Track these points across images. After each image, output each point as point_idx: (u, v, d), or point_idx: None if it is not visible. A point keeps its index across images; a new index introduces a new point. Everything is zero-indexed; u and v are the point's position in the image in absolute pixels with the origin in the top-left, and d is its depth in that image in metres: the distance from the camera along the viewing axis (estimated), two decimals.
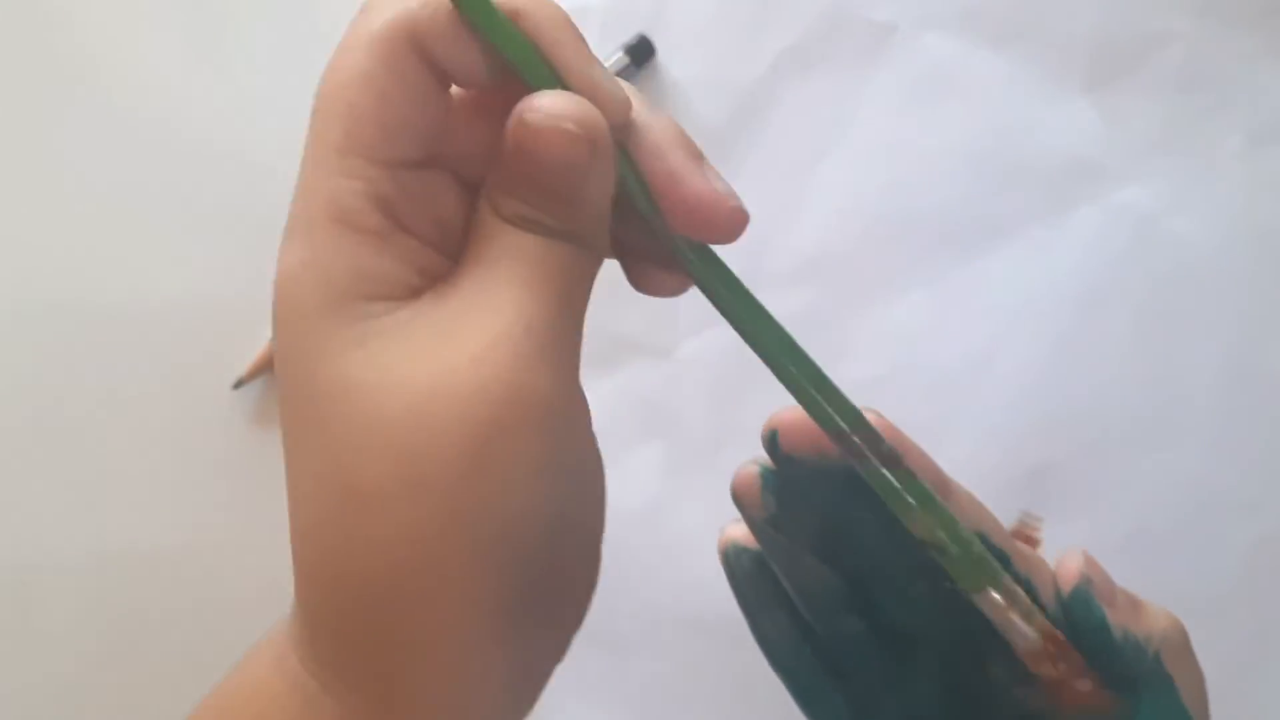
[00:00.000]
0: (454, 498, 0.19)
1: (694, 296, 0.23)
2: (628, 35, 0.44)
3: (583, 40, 0.21)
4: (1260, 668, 0.40)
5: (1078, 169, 0.43)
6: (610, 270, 0.23)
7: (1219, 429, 0.41)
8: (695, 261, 0.22)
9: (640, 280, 0.23)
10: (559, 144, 0.20)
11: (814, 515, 0.28)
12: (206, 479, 0.43)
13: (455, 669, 0.19)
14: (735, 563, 0.30)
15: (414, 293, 0.20)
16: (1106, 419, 0.42)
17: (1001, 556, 0.26)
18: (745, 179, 0.38)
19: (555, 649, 0.21)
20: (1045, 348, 0.42)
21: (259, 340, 0.43)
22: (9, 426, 0.43)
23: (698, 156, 0.22)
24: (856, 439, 0.24)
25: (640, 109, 0.21)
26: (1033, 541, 0.29)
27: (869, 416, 0.24)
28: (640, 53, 0.44)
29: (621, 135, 0.21)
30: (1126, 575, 0.27)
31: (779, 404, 0.27)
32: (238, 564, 0.42)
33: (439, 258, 0.21)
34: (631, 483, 0.43)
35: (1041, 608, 0.26)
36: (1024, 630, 0.25)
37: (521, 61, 0.20)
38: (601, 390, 0.42)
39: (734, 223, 0.21)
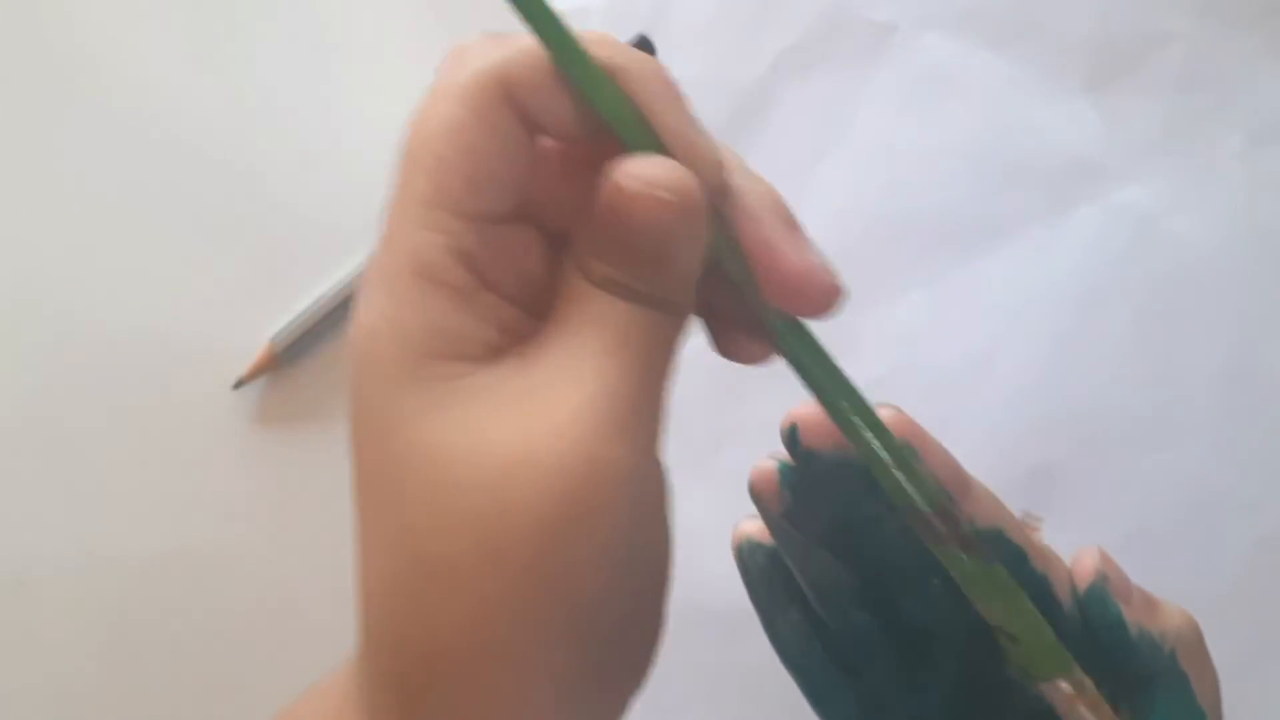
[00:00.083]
0: (529, 573, 0.18)
1: None
2: (628, 35, 0.44)
3: (682, 99, 0.20)
4: (1260, 668, 0.40)
5: (1078, 169, 0.43)
6: None
7: (1219, 429, 0.41)
8: (784, 331, 0.21)
9: (724, 345, 0.23)
10: (654, 211, 0.19)
11: (831, 511, 0.28)
12: (206, 479, 0.43)
13: None
14: (749, 558, 0.30)
15: (494, 351, 0.20)
16: (1106, 419, 0.42)
17: (1019, 553, 0.26)
18: None
19: (618, 712, 0.21)
20: (1045, 348, 0.42)
21: (259, 340, 0.43)
22: (7, 427, 0.43)
23: (794, 225, 0.21)
24: (938, 523, 0.23)
25: (738, 172, 0.21)
26: None
27: (885, 412, 0.24)
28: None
29: (717, 199, 0.20)
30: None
31: (778, 404, 0.27)
32: (237, 564, 0.42)
33: (520, 314, 0.20)
34: None
35: (1058, 603, 0.26)
36: None
37: (618, 120, 0.20)
38: None
39: (829, 298, 0.21)
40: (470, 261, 0.20)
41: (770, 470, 0.28)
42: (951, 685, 0.28)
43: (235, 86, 0.44)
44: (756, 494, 0.28)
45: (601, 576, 0.19)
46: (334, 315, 0.43)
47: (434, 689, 0.19)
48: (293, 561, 0.42)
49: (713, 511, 0.30)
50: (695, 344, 0.22)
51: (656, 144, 0.20)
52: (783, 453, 0.28)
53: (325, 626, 0.42)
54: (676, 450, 0.44)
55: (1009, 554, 0.26)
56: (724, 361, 0.22)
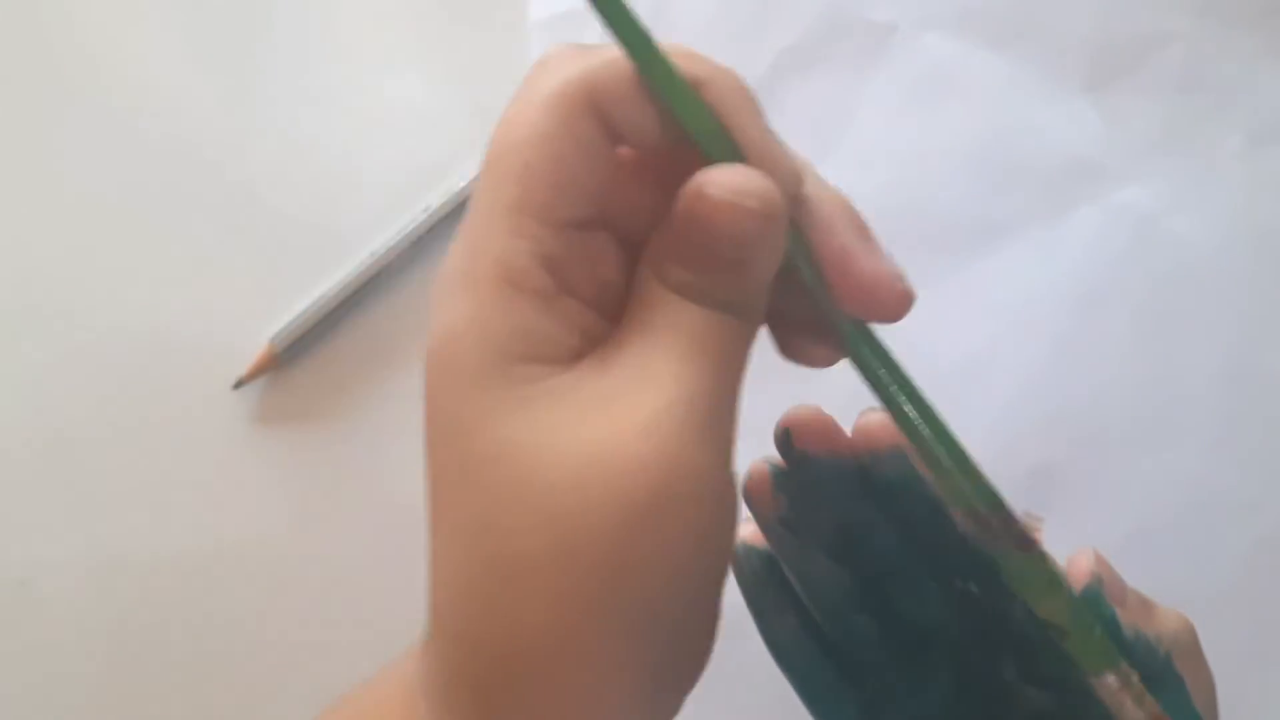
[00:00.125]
0: (606, 570, 0.19)
1: None
2: None
3: (761, 112, 0.21)
4: (1260, 668, 0.40)
5: (1078, 169, 0.43)
6: None
7: (1219, 429, 0.41)
8: (855, 337, 0.22)
9: (792, 350, 0.23)
10: (737, 218, 0.19)
11: (826, 514, 0.28)
12: (206, 479, 0.43)
13: None
14: (744, 562, 0.30)
15: (574, 355, 0.20)
16: (1106, 419, 0.42)
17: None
18: None
19: (674, 709, 0.22)
20: (1045, 348, 0.42)
21: (259, 340, 0.43)
22: (7, 427, 0.43)
23: (867, 234, 0.22)
24: (996, 523, 0.23)
25: (812, 182, 0.22)
26: None
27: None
28: None
29: (793, 208, 0.21)
30: (1126, 575, 0.27)
31: (777, 404, 0.27)
32: (237, 564, 0.42)
33: (599, 319, 0.21)
34: None
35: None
36: (1135, 716, 0.24)
37: (701, 131, 0.20)
38: None
39: (901, 304, 0.22)
40: (553, 267, 0.20)
41: (764, 474, 0.28)
42: (950, 688, 0.28)
43: (235, 87, 0.44)
44: (751, 498, 0.28)
45: (675, 574, 0.19)
46: (334, 315, 0.43)
47: (510, 687, 0.19)
48: (293, 561, 0.42)
49: None
50: None
51: (737, 154, 0.20)
52: (776, 456, 0.28)
53: (326, 626, 0.42)
54: None
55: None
56: None
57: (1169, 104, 0.43)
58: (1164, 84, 0.43)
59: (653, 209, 0.21)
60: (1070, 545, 0.27)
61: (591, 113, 0.20)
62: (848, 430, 0.28)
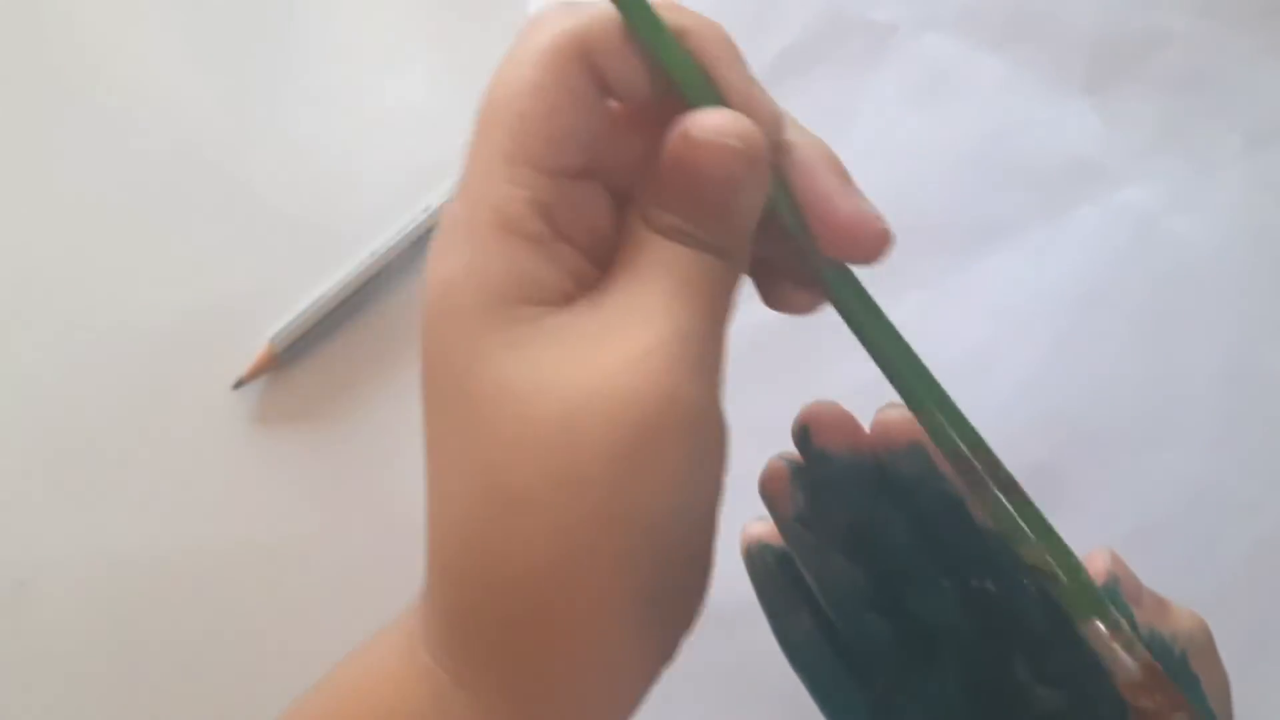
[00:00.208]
0: (604, 499, 0.19)
1: None
2: None
3: (742, 59, 0.22)
4: (1260, 668, 0.40)
5: (1078, 169, 0.43)
6: None
7: (1219, 429, 0.41)
8: (834, 279, 0.22)
9: (773, 297, 0.24)
10: (721, 159, 0.20)
11: (842, 512, 0.28)
12: (206, 479, 0.43)
13: (597, 662, 0.20)
14: (759, 560, 0.30)
15: (568, 299, 0.21)
16: (1106, 419, 0.42)
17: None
18: None
19: (673, 648, 0.22)
20: (1045, 347, 0.42)
21: (259, 340, 0.43)
22: (7, 427, 0.43)
23: (846, 177, 0.22)
24: (976, 463, 0.24)
25: (793, 128, 0.22)
26: None
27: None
28: None
29: (774, 153, 0.21)
30: None
31: (776, 404, 0.27)
32: (237, 564, 0.42)
33: (591, 266, 0.21)
34: None
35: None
36: (1126, 662, 0.24)
37: (685, 78, 0.21)
38: None
39: (880, 243, 0.22)
40: (548, 214, 0.21)
41: (781, 471, 0.28)
42: (962, 688, 0.28)
43: (235, 87, 0.44)
44: (767, 495, 0.28)
45: (672, 500, 0.20)
46: (334, 315, 0.43)
47: (511, 621, 0.20)
48: (293, 561, 0.42)
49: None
50: None
51: (720, 100, 0.21)
52: (793, 453, 0.28)
53: (326, 625, 0.42)
54: None
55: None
56: (731, 363, 0.23)
57: (1169, 104, 0.43)
58: (1164, 84, 0.43)
59: (642, 161, 0.22)
60: (1071, 545, 0.27)
61: (583, 65, 0.21)
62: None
